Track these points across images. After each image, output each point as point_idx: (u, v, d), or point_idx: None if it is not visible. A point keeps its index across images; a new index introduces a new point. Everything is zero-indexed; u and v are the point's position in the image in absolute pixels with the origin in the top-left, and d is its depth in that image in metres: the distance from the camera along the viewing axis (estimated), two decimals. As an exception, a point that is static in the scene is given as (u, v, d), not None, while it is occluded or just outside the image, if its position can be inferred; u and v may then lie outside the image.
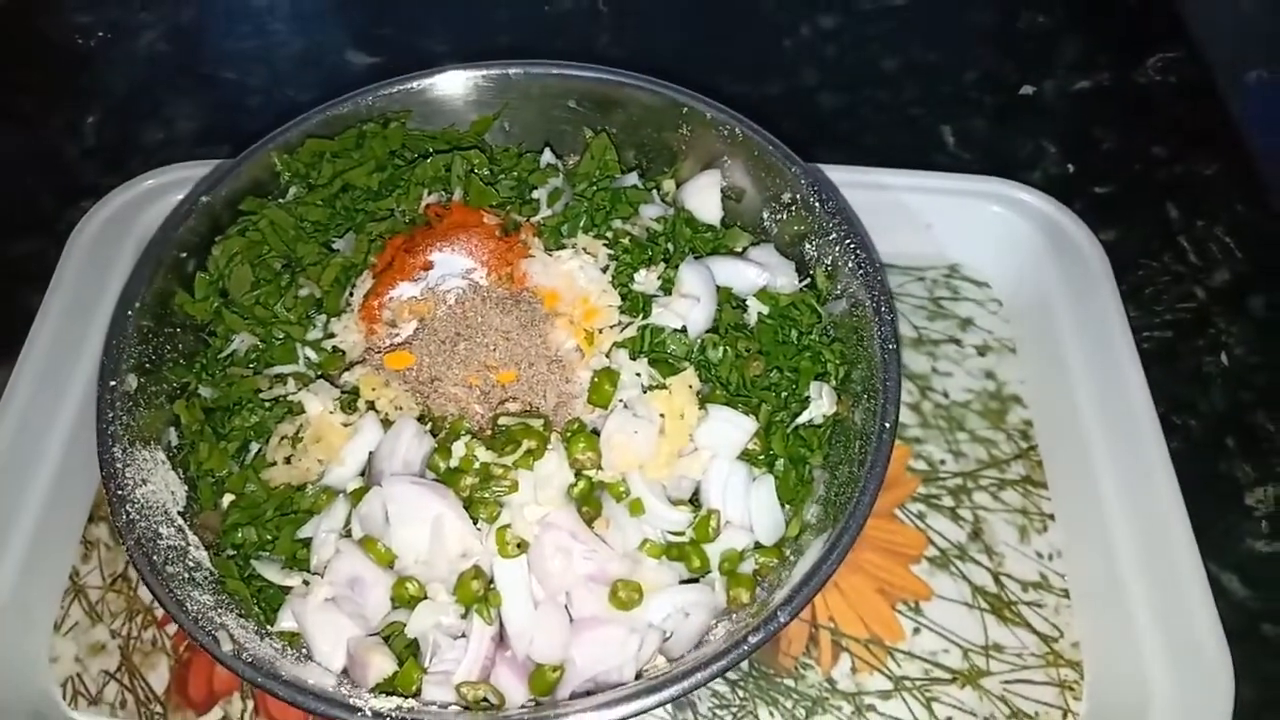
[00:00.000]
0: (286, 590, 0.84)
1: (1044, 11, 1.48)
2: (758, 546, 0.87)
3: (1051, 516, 1.02)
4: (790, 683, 0.93)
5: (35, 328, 1.07)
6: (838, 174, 1.11)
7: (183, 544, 0.83)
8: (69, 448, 1.02)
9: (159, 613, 0.96)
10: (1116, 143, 1.33)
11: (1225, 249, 1.22)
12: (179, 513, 0.86)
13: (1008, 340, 1.14)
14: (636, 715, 0.73)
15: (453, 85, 1.04)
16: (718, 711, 0.92)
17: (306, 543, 0.86)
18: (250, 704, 0.91)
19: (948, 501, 1.03)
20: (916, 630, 0.96)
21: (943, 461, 1.06)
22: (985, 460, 1.06)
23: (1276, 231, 1.24)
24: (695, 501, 0.89)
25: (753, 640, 0.74)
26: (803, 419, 0.91)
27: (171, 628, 0.95)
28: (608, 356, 0.91)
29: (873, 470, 0.81)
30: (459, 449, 0.83)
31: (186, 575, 0.80)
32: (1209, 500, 1.01)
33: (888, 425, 0.83)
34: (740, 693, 0.93)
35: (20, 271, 1.18)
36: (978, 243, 1.18)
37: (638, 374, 0.89)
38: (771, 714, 0.91)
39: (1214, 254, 1.22)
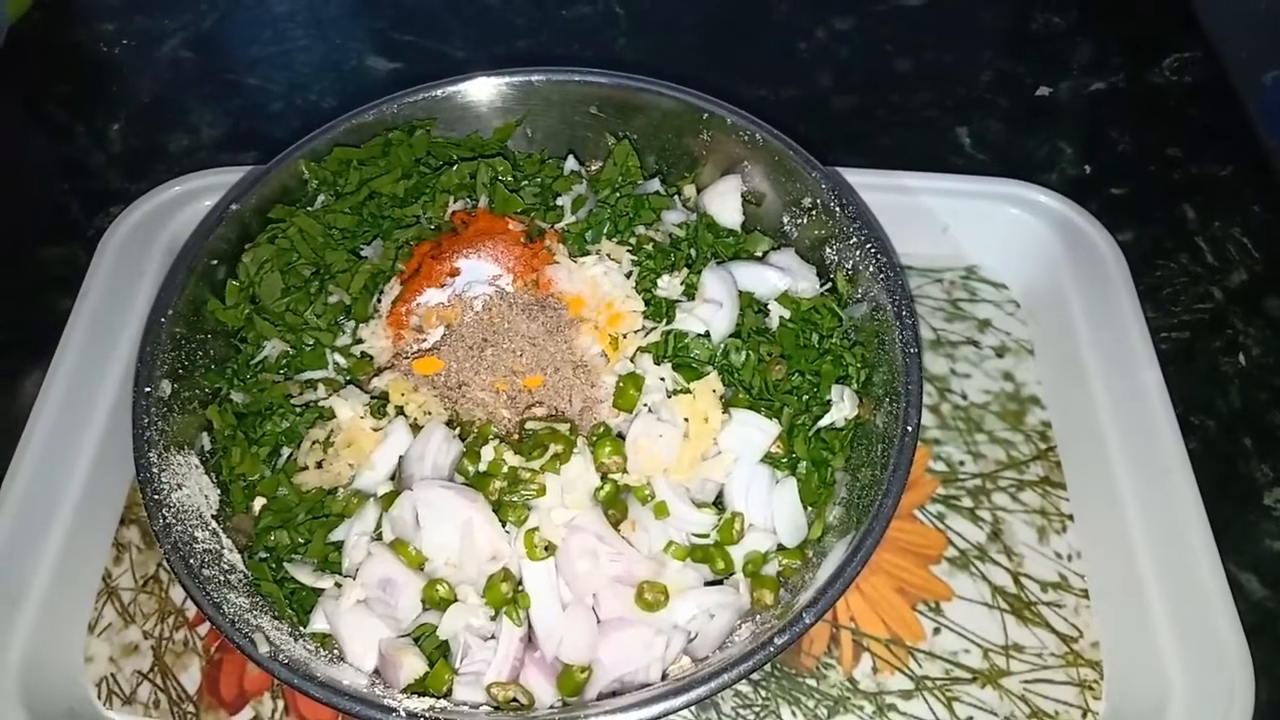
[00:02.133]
0: (318, 592, 0.86)
1: (1058, 13, 1.49)
2: (781, 548, 0.88)
3: (1070, 517, 1.03)
4: (812, 682, 0.94)
5: (67, 333, 1.09)
6: (854, 176, 1.12)
7: (217, 547, 0.85)
8: (100, 451, 1.03)
9: (190, 614, 0.97)
10: (1132, 144, 1.33)
11: (1242, 249, 1.22)
12: (212, 516, 0.88)
13: (1025, 341, 1.15)
14: (664, 716, 0.75)
15: (476, 92, 1.05)
16: (741, 711, 0.93)
17: (338, 546, 0.87)
18: (281, 704, 0.93)
19: (967, 502, 1.04)
20: (937, 630, 0.97)
21: (962, 463, 1.06)
22: (1004, 461, 1.06)
23: (1293, 232, 1.24)
24: (719, 504, 0.90)
25: (778, 642, 0.75)
26: (825, 422, 0.92)
27: (203, 629, 0.97)
28: (632, 361, 0.92)
29: (895, 473, 0.82)
30: (488, 453, 0.84)
31: (222, 578, 0.82)
32: (1227, 500, 1.02)
33: (910, 428, 0.84)
34: (763, 692, 0.94)
35: (52, 277, 1.19)
36: (995, 244, 1.19)
37: (662, 378, 0.91)
38: (794, 713, 0.93)
39: (1231, 254, 1.22)
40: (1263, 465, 1.06)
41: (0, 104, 1.41)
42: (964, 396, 1.11)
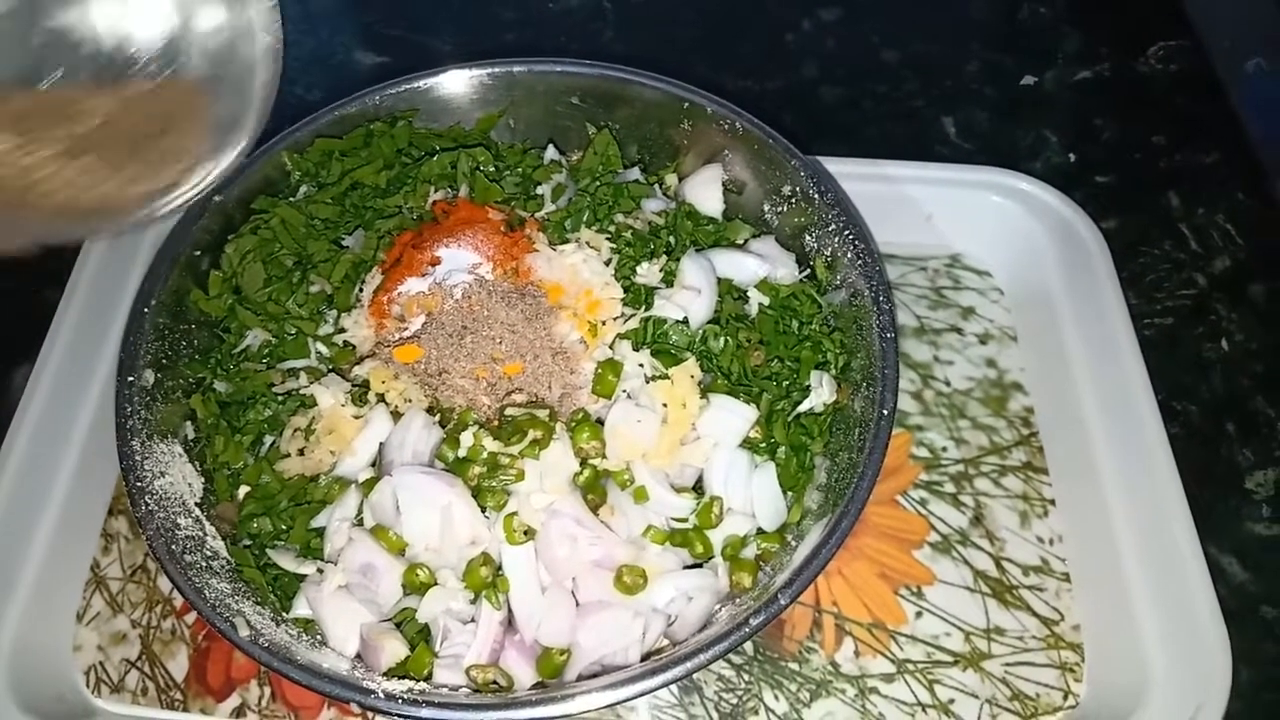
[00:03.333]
0: (301, 578, 0.86)
1: (1044, 2, 1.49)
2: (760, 532, 0.89)
3: (1052, 502, 1.03)
4: (794, 666, 0.95)
5: (55, 325, 1.09)
6: (839, 166, 1.13)
7: (200, 534, 0.86)
8: (89, 442, 1.04)
9: (178, 603, 0.98)
10: (1117, 132, 1.34)
11: (1225, 236, 1.23)
12: (196, 504, 0.88)
13: (1009, 328, 1.15)
14: (641, 695, 0.75)
15: (458, 84, 1.06)
16: (723, 694, 0.94)
17: (320, 532, 0.88)
18: (267, 690, 0.94)
19: (949, 488, 1.04)
20: (919, 614, 0.97)
21: (945, 449, 1.07)
22: (987, 447, 1.07)
23: (1276, 219, 1.24)
24: (698, 489, 0.91)
25: (754, 622, 0.76)
26: (803, 407, 0.92)
27: (190, 618, 0.98)
28: (611, 348, 0.93)
29: (871, 456, 0.83)
30: (467, 439, 0.85)
31: (204, 564, 0.82)
32: (1209, 485, 1.03)
33: (885, 412, 0.85)
34: (745, 676, 0.94)
35: (39, 269, 1.20)
36: (979, 232, 1.19)
37: (640, 365, 0.91)
38: (776, 697, 0.93)
39: (1214, 241, 1.22)
40: (1245, 450, 1.07)
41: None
42: (947, 383, 1.11)
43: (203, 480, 0.91)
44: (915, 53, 1.44)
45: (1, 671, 0.92)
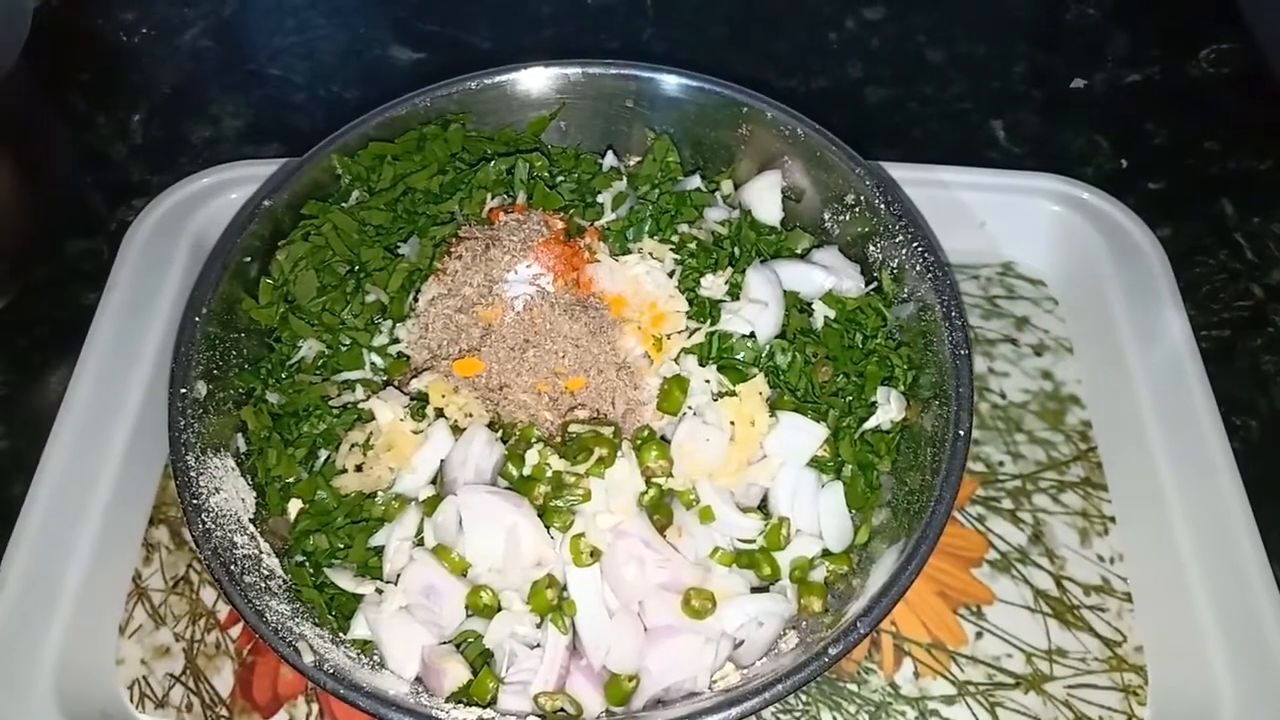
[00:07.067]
0: (358, 598, 0.84)
1: (1092, 2, 1.47)
2: (826, 554, 0.87)
3: (1112, 519, 1.01)
4: (853, 687, 0.93)
5: (93, 329, 1.07)
6: (889, 170, 1.10)
7: (256, 552, 0.83)
8: (129, 450, 1.01)
9: (222, 616, 0.96)
10: (1169, 137, 1.32)
11: (1282, 246, 1.21)
12: (250, 520, 0.86)
13: (1064, 339, 1.13)
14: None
15: (511, 85, 1.03)
16: (781, 716, 0.92)
17: (378, 551, 0.86)
18: (315, 707, 0.92)
19: (1007, 504, 1.03)
20: (979, 634, 0.96)
21: (1001, 463, 1.05)
22: (1044, 462, 1.05)
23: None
24: (762, 508, 0.89)
25: (833, 652, 0.74)
26: (870, 424, 0.90)
27: (235, 631, 0.95)
28: (676, 363, 0.91)
29: (948, 479, 0.81)
30: (532, 457, 0.83)
31: (263, 584, 0.80)
32: (1271, 501, 1.00)
33: (961, 433, 0.83)
34: (803, 696, 0.92)
35: (75, 271, 1.18)
36: (1032, 240, 1.17)
37: (707, 381, 0.89)
38: (835, 718, 0.91)
39: (1271, 251, 1.20)
40: (1307, 467, 1.05)
41: (21, 93, 1.38)
42: (1003, 395, 1.09)
43: (254, 494, 0.89)
44: (961, 53, 1.41)
45: (46, 685, 0.89)
